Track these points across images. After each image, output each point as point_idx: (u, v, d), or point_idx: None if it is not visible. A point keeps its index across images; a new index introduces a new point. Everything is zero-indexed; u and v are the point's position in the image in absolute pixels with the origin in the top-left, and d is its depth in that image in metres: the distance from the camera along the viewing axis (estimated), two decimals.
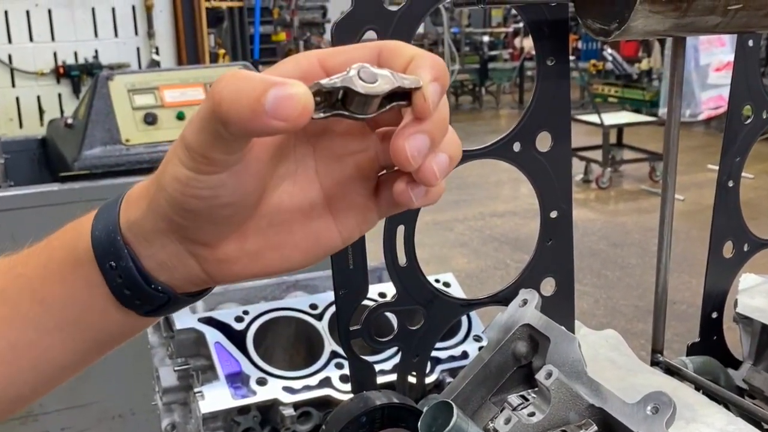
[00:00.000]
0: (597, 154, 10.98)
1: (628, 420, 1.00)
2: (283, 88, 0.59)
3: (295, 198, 0.73)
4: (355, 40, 1.19)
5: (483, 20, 20.51)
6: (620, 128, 11.55)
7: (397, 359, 1.45)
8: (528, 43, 17.01)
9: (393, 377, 1.48)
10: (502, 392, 1.23)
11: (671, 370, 1.55)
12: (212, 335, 1.70)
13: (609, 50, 14.94)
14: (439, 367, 1.70)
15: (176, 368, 1.74)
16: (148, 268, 0.73)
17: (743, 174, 1.59)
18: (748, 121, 1.55)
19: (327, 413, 1.59)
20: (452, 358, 1.74)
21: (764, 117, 1.56)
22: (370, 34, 1.21)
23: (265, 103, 0.58)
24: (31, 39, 6.04)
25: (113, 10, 6.22)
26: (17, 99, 6.08)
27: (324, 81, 0.62)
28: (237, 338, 1.71)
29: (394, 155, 0.66)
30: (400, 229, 1.34)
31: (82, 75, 6.10)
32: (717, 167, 1.56)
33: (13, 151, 4.26)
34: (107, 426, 3.73)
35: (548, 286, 1.47)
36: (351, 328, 1.36)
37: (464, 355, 1.75)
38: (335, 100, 0.64)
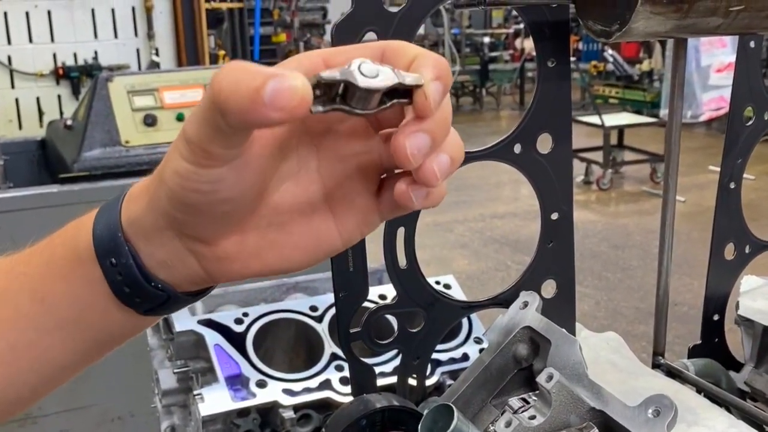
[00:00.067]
0: (598, 156, 10.98)
1: (629, 423, 1.00)
2: (282, 78, 0.59)
3: (297, 198, 0.73)
4: (356, 41, 1.19)
5: (484, 21, 20.53)
6: (621, 129, 11.56)
7: (397, 361, 1.45)
8: (529, 44, 17.02)
9: (393, 379, 1.48)
10: (502, 395, 1.22)
11: (672, 373, 1.54)
12: (212, 337, 1.70)
13: (610, 51, 14.95)
14: (440, 370, 1.70)
15: (176, 370, 1.73)
16: (148, 265, 0.73)
17: (744, 175, 1.58)
18: (750, 122, 1.55)
19: (327, 416, 1.59)
20: (453, 361, 1.73)
21: (766, 118, 1.56)
22: (371, 35, 1.20)
23: (264, 94, 0.58)
24: (30, 40, 6.05)
25: (113, 11, 6.22)
26: (17, 100, 6.08)
27: (323, 73, 0.62)
28: (237, 340, 1.70)
29: (394, 153, 0.65)
30: (401, 231, 1.34)
31: (81, 76, 6.10)
32: (718, 168, 1.56)
33: (12, 152, 4.27)
34: (106, 428, 3.73)
35: (549, 288, 1.47)
36: (351, 331, 1.35)
37: (465, 357, 1.74)
38: (335, 94, 0.63)
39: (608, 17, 1.21)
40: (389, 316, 1.39)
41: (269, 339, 1.79)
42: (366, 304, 1.35)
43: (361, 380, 1.40)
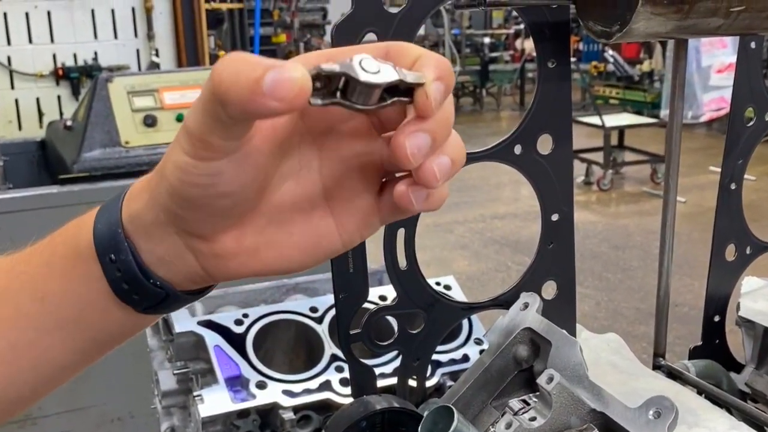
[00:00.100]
0: (598, 156, 10.98)
1: (630, 425, 1.00)
2: (281, 69, 0.59)
3: (297, 197, 0.73)
4: (356, 42, 1.19)
5: (484, 22, 20.53)
6: (621, 130, 11.56)
7: (397, 362, 1.44)
8: (529, 45, 17.02)
9: (393, 380, 1.47)
10: (503, 396, 1.22)
11: (673, 374, 1.54)
12: (212, 338, 1.70)
13: (610, 52, 14.94)
14: (440, 371, 1.70)
15: (175, 372, 1.73)
16: (147, 262, 0.73)
17: (745, 176, 1.58)
18: (751, 123, 1.55)
19: (327, 417, 1.59)
20: (453, 362, 1.73)
21: (767, 119, 1.56)
22: (370, 36, 1.20)
23: (263, 85, 0.58)
24: (30, 41, 6.03)
25: (113, 11, 6.20)
26: (16, 101, 6.07)
27: (324, 65, 0.62)
28: (236, 341, 1.70)
29: (394, 151, 0.65)
30: (401, 233, 1.34)
31: (81, 77, 6.09)
32: (719, 169, 1.56)
33: (12, 153, 4.26)
34: (106, 429, 3.72)
35: (549, 289, 1.47)
36: (351, 332, 1.35)
37: (465, 358, 1.74)
38: (335, 89, 0.63)
39: (609, 18, 1.21)
40: (389, 317, 1.39)
41: (269, 340, 1.79)
42: (366, 305, 1.35)
43: (361, 381, 1.40)
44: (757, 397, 1.59)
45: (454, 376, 1.69)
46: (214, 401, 1.58)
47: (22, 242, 0.81)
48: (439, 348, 1.56)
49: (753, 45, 1.51)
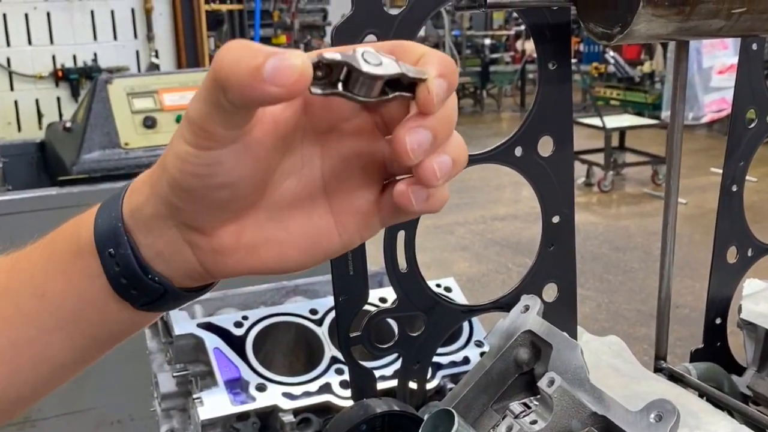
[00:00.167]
0: (599, 158, 10.98)
1: (631, 428, 0.99)
2: (282, 56, 0.59)
3: (298, 196, 0.72)
4: (356, 43, 1.19)
5: (484, 23, 20.52)
6: (622, 131, 11.56)
7: (397, 365, 1.44)
8: (529, 46, 17.03)
9: (393, 383, 1.47)
10: (503, 399, 1.22)
11: (675, 377, 1.54)
12: (211, 341, 1.70)
13: (611, 53, 14.95)
14: (440, 373, 1.69)
15: (175, 374, 1.73)
16: (147, 257, 0.73)
17: (747, 177, 1.58)
18: (752, 125, 1.55)
19: (327, 419, 1.59)
20: (453, 364, 1.73)
21: None
22: (371, 37, 1.20)
23: (264, 71, 0.59)
24: (29, 42, 6.02)
25: (112, 13, 6.20)
26: (16, 102, 6.06)
27: (326, 53, 0.62)
28: (236, 344, 1.70)
29: (394, 146, 0.65)
30: (401, 235, 1.33)
31: (81, 78, 6.08)
32: (720, 170, 1.56)
33: (11, 154, 4.26)
34: None
35: (550, 291, 1.46)
36: (351, 335, 1.35)
37: (466, 360, 1.74)
38: (337, 79, 0.63)
39: (610, 20, 1.21)
40: (389, 320, 1.38)
41: (269, 342, 1.79)
42: (366, 307, 1.35)
43: (361, 384, 1.40)
44: (758, 399, 1.58)
45: (454, 378, 1.68)
46: (214, 404, 1.58)
47: (22, 244, 0.81)
48: (440, 350, 1.56)
49: (754, 47, 1.50)
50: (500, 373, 1.22)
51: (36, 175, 4.40)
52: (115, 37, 6.26)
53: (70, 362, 0.81)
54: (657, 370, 1.58)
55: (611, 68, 15.42)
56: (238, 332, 1.72)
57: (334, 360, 1.70)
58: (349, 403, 1.41)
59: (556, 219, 1.42)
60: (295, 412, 1.59)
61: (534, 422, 1.06)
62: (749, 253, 1.61)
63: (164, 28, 6.34)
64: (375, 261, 1.42)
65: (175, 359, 1.74)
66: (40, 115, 6.12)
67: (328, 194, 0.73)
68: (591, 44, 17.06)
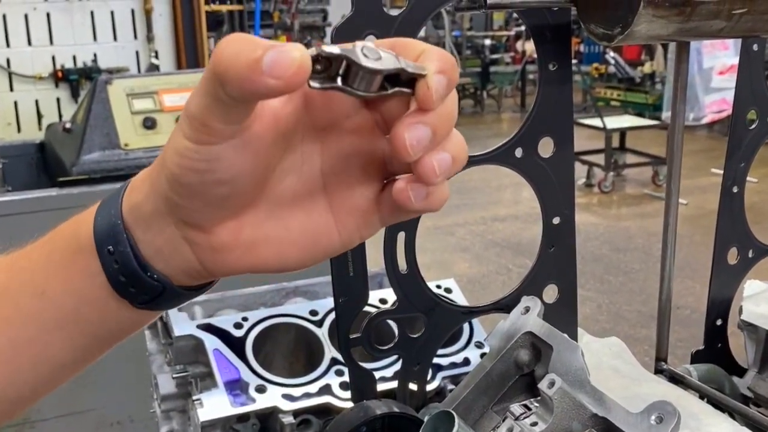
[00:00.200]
0: (599, 158, 10.98)
1: (632, 430, 0.99)
2: (281, 48, 0.59)
3: (298, 194, 0.72)
4: None
5: (485, 24, 20.52)
6: (623, 132, 11.56)
7: (398, 365, 1.44)
8: (530, 47, 17.03)
9: (394, 384, 1.47)
10: (504, 401, 1.22)
11: (675, 379, 1.54)
12: (211, 342, 1.69)
13: (611, 53, 14.94)
14: (441, 374, 1.69)
15: (174, 375, 1.73)
16: (146, 255, 0.73)
17: (747, 178, 1.58)
18: (753, 126, 1.54)
19: (327, 421, 1.58)
20: (454, 365, 1.72)
21: None
22: (371, 38, 1.20)
23: (262, 63, 0.59)
24: (29, 43, 6.01)
25: (112, 13, 6.19)
26: (15, 103, 6.05)
27: (325, 47, 0.62)
28: (236, 345, 1.70)
29: (393, 142, 0.65)
30: (401, 236, 1.33)
31: (80, 79, 6.07)
32: (721, 171, 1.56)
33: (11, 155, 4.26)
34: None
35: (551, 292, 1.46)
36: (351, 336, 1.35)
37: (466, 361, 1.73)
38: (336, 73, 0.63)
39: (610, 20, 1.20)
40: (390, 321, 1.38)
41: (269, 344, 1.78)
42: (366, 308, 1.35)
43: (361, 386, 1.39)
44: (759, 401, 1.58)
45: (454, 379, 1.68)
46: (214, 405, 1.58)
47: (21, 245, 0.81)
48: (440, 351, 1.56)
49: (755, 47, 1.50)
50: (501, 375, 1.22)
51: (36, 176, 4.39)
52: (114, 38, 6.25)
53: (70, 362, 0.81)
54: (658, 371, 1.58)
55: (612, 69, 15.41)
56: (238, 333, 1.72)
57: (334, 361, 1.70)
58: (349, 404, 1.40)
59: (556, 220, 1.42)
60: (295, 413, 1.59)
61: (534, 424, 1.06)
62: (750, 255, 1.61)
63: (164, 29, 6.33)
64: (375, 262, 1.42)
65: (175, 360, 1.74)
66: (39, 116, 6.12)
67: (328, 192, 0.73)
68: (591, 45, 17.05)
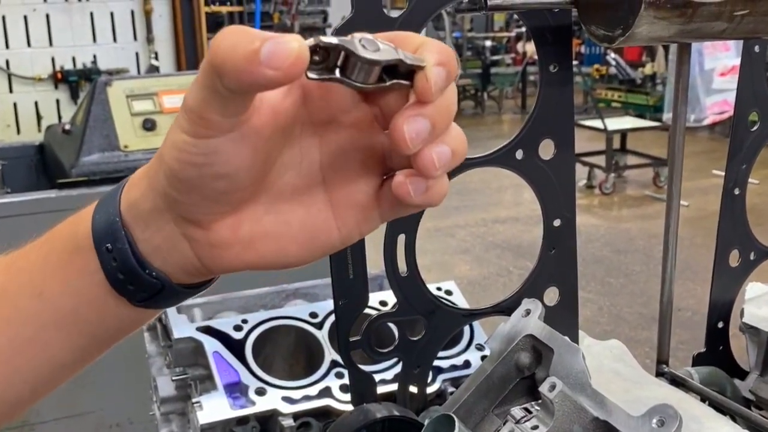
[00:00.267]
0: (600, 160, 10.98)
1: None
2: (279, 39, 0.59)
3: (297, 189, 0.72)
4: None
5: (485, 25, 20.52)
6: (624, 133, 11.55)
7: (398, 368, 1.44)
8: (530, 48, 17.03)
9: (394, 387, 1.47)
10: (504, 404, 1.21)
11: (677, 381, 1.53)
12: (210, 344, 1.69)
13: (612, 55, 14.93)
14: (441, 377, 1.69)
15: (174, 378, 1.73)
16: (144, 252, 0.73)
17: (749, 180, 1.57)
18: (755, 127, 1.54)
19: (327, 423, 1.58)
20: (454, 368, 1.72)
21: None
22: None
23: (260, 54, 0.59)
24: (28, 44, 6.02)
25: (112, 15, 6.20)
26: (15, 105, 6.07)
27: (323, 37, 0.62)
28: (236, 347, 1.69)
29: (392, 135, 0.65)
30: (401, 238, 1.33)
31: (80, 80, 6.08)
32: (722, 173, 1.55)
33: (10, 157, 4.26)
34: None
35: (551, 295, 1.46)
36: (351, 339, 1.35)
37: (466, 364, 1.73)
38: (334, 65, 0.63)
39: (611, 22, 1.20)
40: (390, 323, 1.38)
41: (269, 346, 1.78)
42: (366, 310, 1.34)
43: (361, 389, 1.39)
44: (761, 404, 1.58)
45: (455, 382, 1.68)
46: (213, 408, 1.57)
47: (19, 246, 0.81)
48: (441, 354, 1.55)
49: (757, 49, 1.50)
50: (501, 378, 1.21)
51: (35, 177, 4.39)
52: (114, 39, 6.26)
53: (69, 362, 0.81)
54: (659, 374, 1.58)
55: (612, 70, 15.39)
56: (238, 336, 1.72)
57: (334, 364, 1.70)
58: (350, 407, 1.40)
59: (557, 222, 1.41)
60: (295, 416, 1.59)
61: (535, 427, 1.06)
62: (751, 257, 1.60)
63: (164, 30, 6.34)
64: (375, 264, 1.41)
65: (175, 363, 1.73)
66: (39, 118, 6.13)
67: (327, 188, 0.73)
68: (592, 46, 17.04)
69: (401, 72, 0.65)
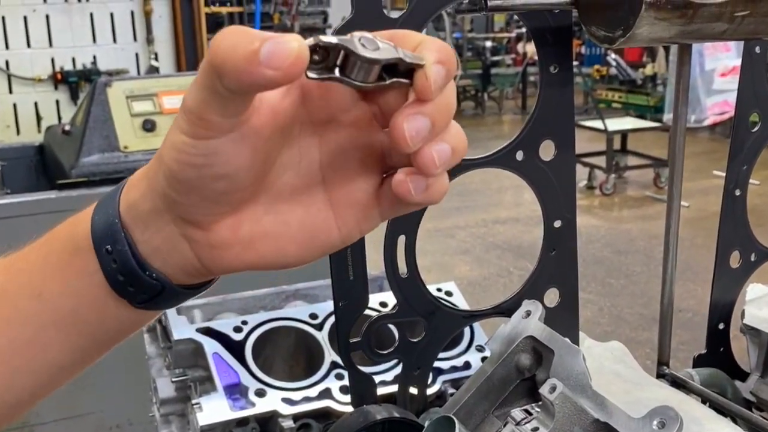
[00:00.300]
0: (601, 161, 10.97)
1: None
2: (278, 39, 0.59)
3: (296, 189, 0.72)
4: None
5: (485, 25, 20.52)
6: (624, 134, 11.55)
7: (398, 369, 1.44)
8: (531, 49, 17.03)
9: (394, 388, 1.47)
10: (505, 406, 1.21)
11: (677, 383, 1.53)
12: (210, 346, 1.69)
13: (613, 55, 14.93)
14: (441, 378, 1.69)
15: (174, 379, 1.72)
16: (144, 253, 0.73)
17: (749, 180, 1.57)
18: (755, 128, 1.54)
19: (327, 425, 1.58)
20: (454, 369, 1.72)
21: None
22: None
23: (260, 54, 0.59)
24: (28, 45, 6.03)
25: (111, 15, 6.20)
26: (14, 105, 6.07)
27: (323, 37, 0.62)
28: (235, 349, 1.69)
29: (392, 133, 0.65)
30: (401, 239, 1.33)
31: (80, 81, 6.08)
32: (722, 173, 1.55)
33: (10, 158, 4.26)
34: None
35: (552, 296, 1.46)
36: (351, 341, 1.34)
37: (467, 365, 1.73)
38: (333, 64, 0.63)
39: (612, 23, 1.20)
40: (390, 325, 1.38)
41: (268, 347, 1.78)
42: (366, 311, 1.34)
43: (361, 390, 1.39)
44: (762, 405, 1.58)
45: (455, 383, 1.68)
46: (213, 409, 1.57)
47: (20, 247, 0.81)
48: (441, 355, 1.55)
49: (757, 50, 1.50)
50: (501, 380, 1.21)
51: (35, 178, 4.39)
52: (114, 40, 6.26)
53: (69, 363, 0.80)
54: (660, 375, 1.58)
55: (613, 71, 15.38)
56: (238, 337, 1.72)
57: (334, 365, 1.70)
58: (350, 408, 1.40)
59: (557, 224, 1.41)
60: (295, 417, 1.58)
61: (536, 429, 1.06)
62: (752, 258, 1.60)
63: (164, 31, 6.34)
64: (375, 264, 1.41)
65: (174, 364, 1.73)
66: (39, 118, 6.13)
67: (327, 187, 0.73)
68: (592, 46, 17.02)
69: (401, 70, 0.65)
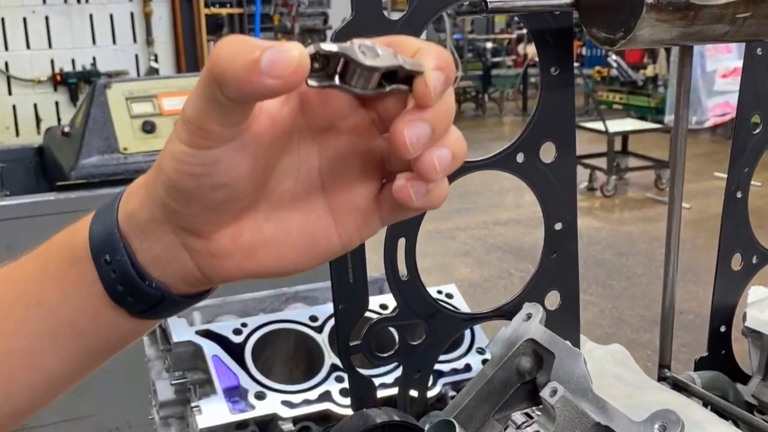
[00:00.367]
0: (602, 162, 10.97)
1: None
2: (279, 48, 0.59)
3: (296, 196, 0.72)
4: None
5: (486, 27, 20.53)
6: (625, 135, 11.54)
7: (398, 372, 1.43)
8: (531, 50, 17.04)
9: (394, 391, 1.47)
10: (505, 409, 1.20)
11: (679, 386, 1.53)
12: (210, 348, 1.69)
13: (614, 57, 14.93)
14: (442, 381, 1.69)
15: (173, 382, 1.72)
16: (143, 263, 0.72)
17: (751, 182, 1.57)
18: (757, 130, 1.54)
19: (327, 428, 1.58)
20: (455, 372, 1.72)
21: None
22: None
23: (261, 63, 0.58)
24: (28, 46, 6.02)
25: (111, 17, 6.20)
26: (14, 107, 6.07)
27: (323, 44, 0.62)
28: (235, 351, 1.69)
29: (392, 140, 0.65)
30: (401, 242, 1.32)
31: (79, 83, 6.08)
32: (724, 175, 1.55)
33: (9, 159, 4.26)
34: None
35: (553, 298, 1.46)
36: (351, 343, 1.34)
37: (467, 368, 1.73)
38: (333, 72, 0.63)
39: (613, 24, 1.19)
40: (390, 327, 1.37)
41: (268, 350, 1.78)
42: (367, 313, 1.34)
43: (361, 393, 1.39)
44: (763, 408, 1.57)
45: (456, 386, 1.68)
46: (213, 412, 1.57)
47: (19, 250, 0.80)
48: (441, 357, 1.55)
49: (759, 51, 1.49)
50: (502, 383, 1.21)
51: (34, 180, 4.39)
52: (114, 41, 6.26)
53: (67, 373, 0.80)
54: (661, 378, 1.57)
55: (614, 72, 15.39)
56: (237, 339, 1.71)
57: (334, 368, 1.69)
58: (349, 411, 1.40)
59: (558, 226, 1.41)
60: (295, 420, 1.58)
61: None
62: (754, 261, 1.60)
63: (163, 32, 6.34)
64: (376, 267, 1.41)
65: (174, 367, 1.73)
66: (38, 120, 6.13)
67: (327, 194, 0.73)
68: (593, 48, 17.03)
69: (400, 77, 0.65)
